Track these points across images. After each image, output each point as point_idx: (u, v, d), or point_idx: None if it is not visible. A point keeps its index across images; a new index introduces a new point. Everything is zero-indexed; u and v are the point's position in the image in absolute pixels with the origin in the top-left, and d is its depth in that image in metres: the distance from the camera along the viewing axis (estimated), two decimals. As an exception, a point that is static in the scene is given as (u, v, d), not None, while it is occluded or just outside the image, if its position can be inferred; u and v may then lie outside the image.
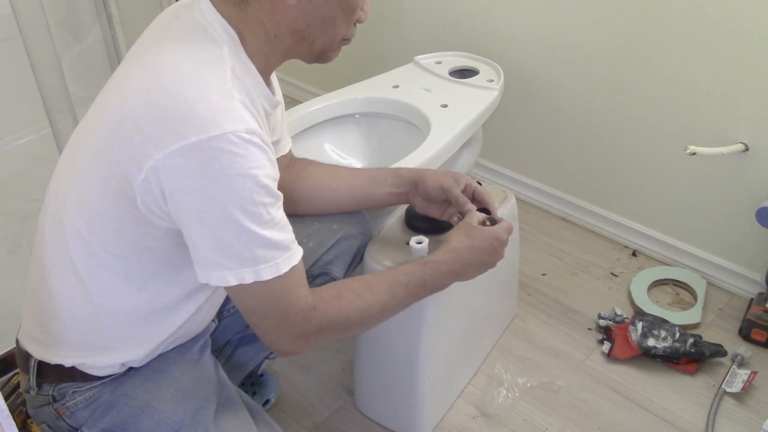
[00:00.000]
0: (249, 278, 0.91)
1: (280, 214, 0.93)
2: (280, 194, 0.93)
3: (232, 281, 0.91)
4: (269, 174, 0.90)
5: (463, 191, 1.21)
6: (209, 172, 0.86)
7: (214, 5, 0.94)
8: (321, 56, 1.03)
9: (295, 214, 1.01)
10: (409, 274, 1.08)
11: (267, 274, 0.91)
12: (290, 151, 1.26)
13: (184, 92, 0.87)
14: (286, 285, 0.94)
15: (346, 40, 1.03)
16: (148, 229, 0.93)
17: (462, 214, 1.21)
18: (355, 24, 1.01)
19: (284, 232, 0.94)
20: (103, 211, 0.94)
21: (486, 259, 1.14)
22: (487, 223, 1.17)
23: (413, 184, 1.24)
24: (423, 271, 1.09)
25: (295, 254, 0.95)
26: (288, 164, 1.25)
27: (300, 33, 0.97)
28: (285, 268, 0.93)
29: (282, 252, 0.92)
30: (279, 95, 1.11)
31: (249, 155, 0.87)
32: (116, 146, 0.90)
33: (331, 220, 1.31)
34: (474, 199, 1.22)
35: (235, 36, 0.94)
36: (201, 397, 1.06)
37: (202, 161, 0.85)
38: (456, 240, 1.12)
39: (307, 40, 0.99)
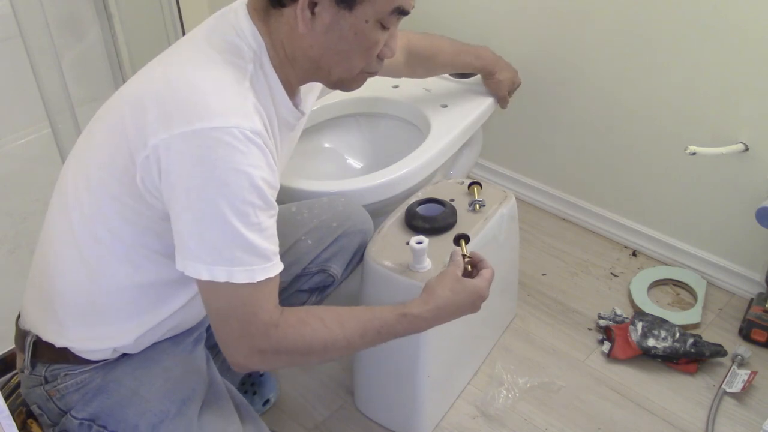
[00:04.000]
0: (221, 277, 0.90)
1: (269, 222, 0.93)
2: (275, 205, 0.94)
3: (205, 275, 0.91)
4: (265, 177, 0.91)
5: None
6: (206, 160, 0.87)
7: (249, 13, 0.97)
8: (339, 85, 1.04)
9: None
10: (384, 321, 1.04)
11: (240, 277, 0.91)
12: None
13: (202, 84, 0.90)
14: (256, 295, 0.93)
15: (369, 73, 1.03)
16: (144, 209, 0.95)
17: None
18: (379, 58, 1.01)
19: (268, 242, 0.93)
20: (105, 186, 0.96)
21: (464, 312, 1.11)
22: (469, 268, 1.13)
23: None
24: (399, 323, 1.05)
25: (274, 267, 0.94)
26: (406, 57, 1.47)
27: (315, 61, 0.99)
28: (259, 278, 0.92)
29: (261, 260, 0.92)
30: (307, 105, 1.12)
31: (248, 152, 0.88)
32: (129, 122, 0.92)
33: (331, 218, 1.31)
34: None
35: (264, 46, 0.96)
36: (190, 389, 1.06)
37: (202, 148, 0.87)
38: (440, 297, 1.07)
39: (322, 69, 1.00)
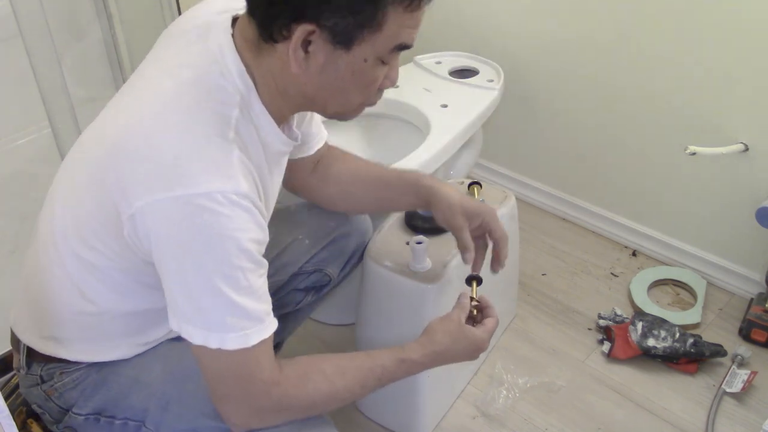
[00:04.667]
0: (213, 343, 0.88)
1: (259, 282, 0.90)
2: (265, 262, 0.91)
3: (197, 340, 0.88)
4: (253, 238, 0.88)
5: (478, 226, 1.16)
6: (191, 228, 0.84)
7: (234, 42, 0.91)
8: (336, 117, 1.01)
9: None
10: (384, 368, 1.02)
11: (233, 344, 0.88)
12: (318, 150, 1.22)
13: (182, 144, 0.86)
14: (252, 356, 0.90)
15: (368, 104, 0.99)
16: (129, 254, 0.92)
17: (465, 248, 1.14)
18: (379, 89, 0.97)
19: (260, 302, 0.90)
20: (93, 230, 0.94)
21: (461, 359, 1.10)
22: (474, 312, 1.12)
23: (427, 204, 1.18)
24: (398, 368, 1.04)
25: (268, 328, 0.91)
26: (315, 164, 1.23)
27: (309, 97, 0.94)
28: (254, 341, 0.89)
29: (254, 323, 0.89)
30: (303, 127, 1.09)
31: (234, 216, 0.85)
32: (111, 176, 0.89)
33: (328, 217, 1.31)
34: (490, 237, 1.17)
35: (250, 82, 0.91)
36: (189, 368, 1.05)
37: (186, 215, 0.84)
38: (439, 342, 1.06)
39: (317, 104, 0.96)
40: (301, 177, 1.20)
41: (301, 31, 0.85)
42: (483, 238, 1.19)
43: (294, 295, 1.31)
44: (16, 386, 1.28)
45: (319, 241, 1.29)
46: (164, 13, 1.96)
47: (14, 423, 0.75)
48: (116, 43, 2.31)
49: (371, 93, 0.96)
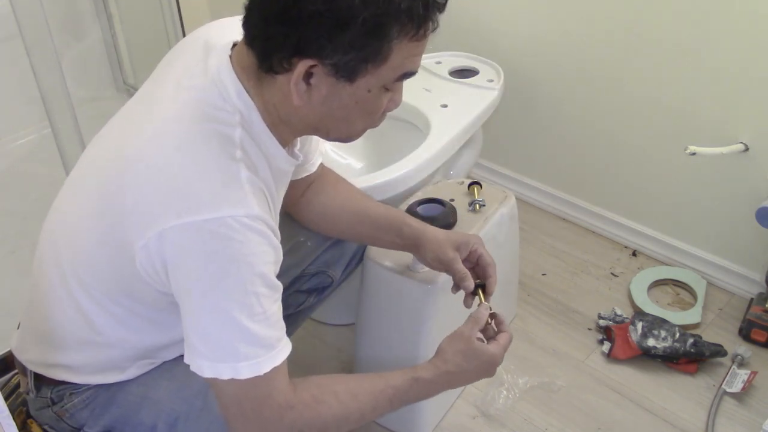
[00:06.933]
0: (226, 375, 0.87)
1: (274, 307, 0.89)
2: (279, 285, 0.90)
3: (207, 373, 0.88)
4: (268, 260, 0.87)
5: (468, 256, 1.14)
6: (203, 254, 0.83)
7: (234, 68, 0.90)
8: (339, 141, 1.00)
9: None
10: (397, 389, 1.01)
11: (246, 372, 0.87)
12: (314, 171, 1.21)
13: (188, 167, 0.85)
14: (266, 382, 0.89)
15: (372, 127, 0.98)
16: (141, 285, 0.92)
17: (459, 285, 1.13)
18: (383, 112, 0.96)
19: (274, 329, 0.89)
20: (101, 261, 0.93)
21: (479, 377, 1.08)
22: (490, 321, 1.09)
23: (414, 245, 1.18)
24: (410, 389, 1.03)
25: (280, 353, 0.90)
26: (308, 185, 1.22)
27: (313, 125, 0.94)
28: (267, 368, 0.88)
29: (266, 350, 0.88)
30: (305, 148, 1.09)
31: (246, 241, 0.84)
32: (119, 206, 0.88)
33: None
34: (477, 264, 1.15)
35: (250, 102, 0.90)
36: (197, 385, 1.05)
37: (197, 242, 0.83)
38: (452, 362, 1.04)
39: (321, 130, 0.96)
40: (291, 196, 1.18)
41: (302, 65, 0.84)
42: (473, 266, 1.17)
43: (296, 296, 1.31)
44: (16, 386, 1.28)
45: (321, 244, 1.29)
46: (164, 13, 1.96)
47: (14, 423, 0.75)
48: (116, 43, 2.31)
49: (375, 119, 0.96)
